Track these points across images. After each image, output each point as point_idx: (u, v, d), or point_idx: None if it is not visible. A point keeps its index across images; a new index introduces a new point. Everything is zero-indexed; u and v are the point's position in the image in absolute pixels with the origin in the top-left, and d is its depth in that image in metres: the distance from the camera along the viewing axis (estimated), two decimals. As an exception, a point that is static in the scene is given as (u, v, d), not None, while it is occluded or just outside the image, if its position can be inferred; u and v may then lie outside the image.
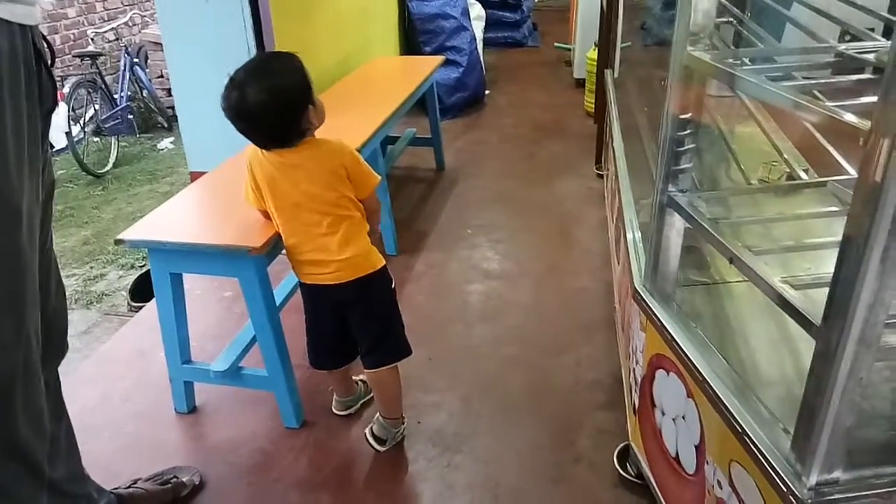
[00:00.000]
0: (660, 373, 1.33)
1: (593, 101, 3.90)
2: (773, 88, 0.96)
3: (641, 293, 1.39)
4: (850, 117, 0.92)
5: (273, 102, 1.41)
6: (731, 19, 1.83)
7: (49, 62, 1.04)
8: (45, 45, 1.04)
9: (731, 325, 1.35)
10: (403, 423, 1.79)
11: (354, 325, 1.66)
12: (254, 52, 2.41)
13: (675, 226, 1.32)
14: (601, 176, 3.32)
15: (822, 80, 1.23)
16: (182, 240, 1.61)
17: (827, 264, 1.32)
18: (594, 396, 1.93)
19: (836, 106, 0.98)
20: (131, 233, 1.64)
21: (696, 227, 1.21)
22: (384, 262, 1.64)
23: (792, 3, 1.77)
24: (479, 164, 3.72)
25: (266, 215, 1.61)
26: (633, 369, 1.55)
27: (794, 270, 1.35)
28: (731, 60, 1.17)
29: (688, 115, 1.25)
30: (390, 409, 1.75)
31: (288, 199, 1.52)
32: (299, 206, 1.52)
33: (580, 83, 4.70)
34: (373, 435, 1.74)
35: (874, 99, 0.74)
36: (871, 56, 1.06)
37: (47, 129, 1.09)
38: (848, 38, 1.86)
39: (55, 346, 1.22)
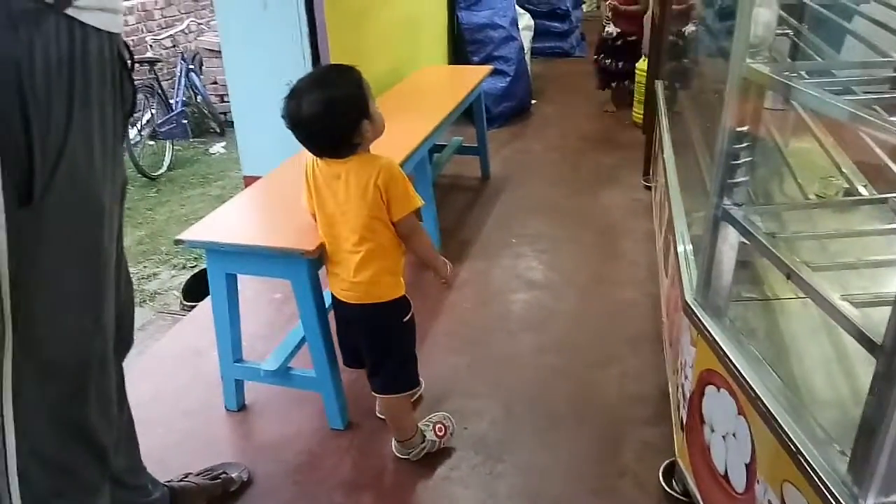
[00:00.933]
0: (710, 389, 1.31)
1: (642, 111, 3.86)
2: (833, 101, 0.95)
3: (693, 307, 1.38)
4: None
5: (326, 113, 1.44)
6: (789, 31, 1.81)
7: (130, 68, 1.10)
8: (127, 52, 1.09)
9: (786, 343, 1.33)
10: (423, 441, 1.76)
11: (360, 344, 1.68)
12: (309, 59, 2.48)
13: (729, 240, 1.30)
14: (648, 188, 3.29)
15: (884, 95, 1.21)
16: (238, 241, 1.67)
17: (887, 282, 1.29)
18: (639, 410, 1.91)
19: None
20: (190, 234, 1.70)
21: (751, 241, 1.19)
22: (401, 293, 1.61)
23: (853, 15, 1.74)
24: (525, 174, 3.72)
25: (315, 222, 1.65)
26: (682, 384, 1.54)
27: (851, 289, 1.32)
28: (788, 73, 1.16)
29: (744, 128, 1.24)
30: (399, 433, 1.76)
31: (326, 208, 1.55)
32: (333, 217, 1.54)
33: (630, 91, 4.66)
34: (397, 450, 1.78)
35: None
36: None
37: (126, 132, 1.14)
38: None
39: (124, 338, 1.28)
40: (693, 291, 1.43)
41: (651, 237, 2.81)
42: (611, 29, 4.32)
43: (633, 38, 4.30)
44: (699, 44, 2.64)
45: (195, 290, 3.03)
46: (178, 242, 1.68)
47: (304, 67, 2.47)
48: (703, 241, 1.37)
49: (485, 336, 2.29)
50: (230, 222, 1.80)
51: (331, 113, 1.45)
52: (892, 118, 0.98)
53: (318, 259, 1.64)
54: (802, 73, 1.62)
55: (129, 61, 1.09)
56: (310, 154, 1.56)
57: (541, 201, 3.38)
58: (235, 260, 1.71)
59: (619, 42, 4.33)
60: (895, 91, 1.31)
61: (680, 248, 1.67)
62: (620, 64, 4.39)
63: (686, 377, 1.47)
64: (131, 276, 1.33)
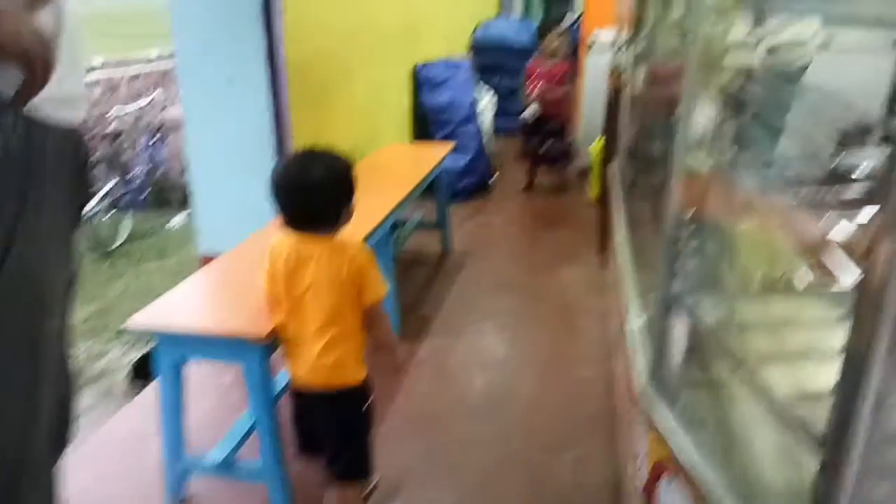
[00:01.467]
0: (663, 480, 1.30)
1: (597, 190, 3.98)
2: (771, 195, 0.99)
3: (644, 396, 1.38)
4: (845, 225, 0.94)
5: (333, 181, 1.51)
6: (730, 120, 1.90)
7: (87, 158, 1.09)
8: (84, 141, 1.09)
9: (738, 431, 1.33)
10: None
11: (320, 430, 1.63)
12: (273, 135, 2.50)
13: (678, 327, 1.32)
14: (604, 265, 3.35)
15: (822, 186, 1.27)
16: (189, 327, 1.62)
17: (832, 372, 1.32)
18: (595, 498, 1.88)
19: (834, 210, 1.01)
20: (138, 319, 1.66)
21: (700, 330, 1.21)
22: (363, 378, 1.60)
23: (791, 103, 1.84)
24: (486, 249, 3.77)
25: (273, 306, 1.62)
26: (636, 474, 1.52)
27: (800, 375, 1.34)
28: (729, 167, 1.21)
29: (690, 216, 1.28)
30: None
31: (295, 290, 1.53)
32: (302, 300, 1.52)
33: (584, 172, 4.81)
34: None
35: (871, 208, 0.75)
36: (866, 168, 1.09)
37: (78, 223, 1.12)
38: (846, 139, 1.92)
39: (62, 434, 1.21)
40: (646, 379, 1.43)
41: (607, 314, 2.84)
42: (529, 113, 4.48)
43: (559, 120, 4.50)
44: (648, 130, 2.76)
45: (145, 368, 2.92)
46: (121, 332, 1.63)
47: (267, 144, 2.49)
48: (653, 327, 1.39)
49: (442, 420, 2.25)
50: (181, 306, 1.76)
51: (338, 181, 1.51)
52: (829, 208, 1.03)
53: (270, 345, 1.61)
54: (742, 165, 1.71)
55: (87, 154, 1.08)
56: (277, 237, 1.55)
57: (501, 277, 3.41)
58: (186, 346, 1.67)
59: (544, 124, 4.48)
60: (832, 184, 1.38)
61: (632, 332, 1.69)
62: (548, 144, 4.54)
63: (640, 467, 1.45)
64: (77, 361, 1.27)
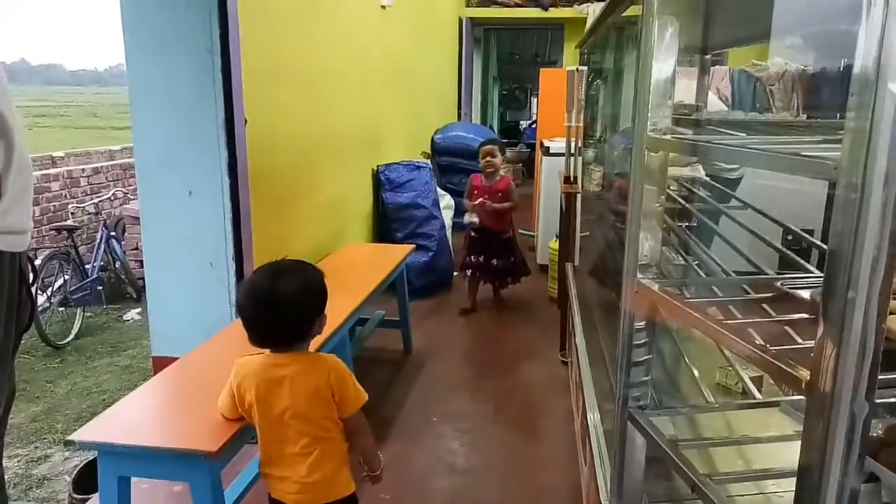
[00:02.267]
0: None
1: (556, 287, 4.05)
2: (714, 325, 1.03)
3: (607, 512, 1.36)
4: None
5: (304, 295, 1.49)
6: (677, 242, 1.99)
7: (31, 283, 1.08)
8: (30, 266, 1.08)
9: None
10: None
11: None
12: (231, 244, 2.51)
13: (637, 442, 1.33)
14: (565, 363, 3.36)
15: (766, 295, 1.32)
16: (133, 442, 1.56)
17: (791, 486, 1.32)
18: None
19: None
20: (82, 434, 1.58)
21: (657, 447, 1.22)
22: (353, 490, 1.57)
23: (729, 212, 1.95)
24: (447, 347, 3.75)
25: (230, 416, 1.58)
26: (603, 592, 1.47)
27: (762, 488, 1.35)
28: (678, 278, 1.26)
29: (642, 333, 1.32)
30: None
31: (270, 414, 1.49)
32: (281, 422, 1.48)
33: (544, 268, 4.90)
34: None
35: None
36: (806, 293, 1.15)
37: (18, 345, 1.10)
38: (790, 237, 2.02)
39: None
40: (607, 493, 1.42)
41: (570, 415, 2.82)
42: (474, 219, 4.07)
43: (503, 235, 4.15)
44: (600, 239, 2.86)
45: (88, 478, 2.76)
46: (68, 444, 1.55)
47: (225, 252, 2.49)
48: (613, 439, 1.39)
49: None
50: (128, 418, 1.69)
51: (309, 293, 1.50)
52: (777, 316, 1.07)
53: (220, 460, 1.55)
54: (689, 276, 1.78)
55: (29, 275, 1.07)
56: (243, 362, 1.53)
57: (462, 376, 3.38)
58: (130, 461, 1.59)
59: (488, 239, 4.12)
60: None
61: (594, 443, 1.68)
62: (493, 261, 4.15)
63: (606, 587, 1.41)
64: (20, 459, 1.20)
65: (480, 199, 4.02)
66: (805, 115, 3.49)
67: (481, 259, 4.16)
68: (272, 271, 1.51)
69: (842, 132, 0.67)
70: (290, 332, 1.50)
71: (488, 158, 4.09)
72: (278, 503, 1.55)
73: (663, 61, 1.13)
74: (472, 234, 4.17)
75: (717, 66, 3.84)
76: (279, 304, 1.47)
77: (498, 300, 4.41)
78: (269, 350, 1.53)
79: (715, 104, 3.25)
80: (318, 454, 1.49)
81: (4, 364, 1.03)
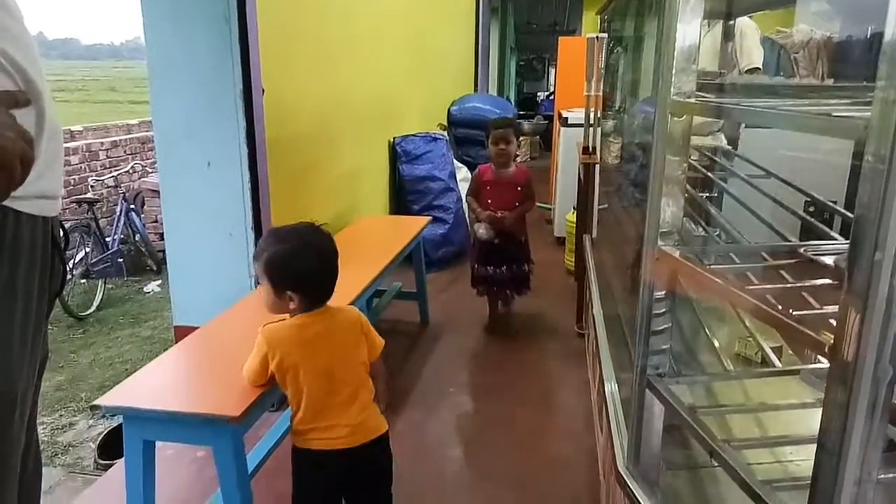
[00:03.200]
0: (646, 566, 1.27)
1: (573, 260, 4.04)
2: (736, 290, 1.02)
3: (626, 477, 1.37)
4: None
5: (334, 254, 1.62)
6: (697, 202, 1.97)
7: (63, 248, 1.10)
8: (62, 232, 1.10)
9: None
10: None
11: (355, 494, 1.66)
12: (250, 213, 2.52)
13: (655, 410, 1.33)
14: (582, 335, 3.36)
15: (788, 262, 1.31)
16: (157, 407, 1.59)
17: (809, 457, 1.32)
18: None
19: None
20: (108, 398, 1.62)
21: (675, 415, 1.22)
22: (387, 427, 1.69)
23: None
24: (463, 319, 3.76)
25: (261, 385, 1.61)
26: (619, 557, 1.49)
27: (779, 456, 1.35)
28: (696, 256, 1.25)
29: (662, 302, 1.31)
30: None
31: (317, 367, 1.56)
32: (326, 375, 1.56)
33: (560, 241, 4.88)
34: None
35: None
36: (829, 259, 1.13)
37: (51, 310, 1.11)
38: (812, 208, 1.99)
39: None
40: (625, 460, 1.42)
41: (586, 386, 2.83)
42: (483, 231, 3.25)
43: (517, 238, 3.38)
44: (619, 210, 2.83)
45: (113, 445, 2.83)
46: (94, 409, 1.59)
47: (244, 222, 2.50)
48: (631, 406, 1.39)
49: (420, 498, 2.19)
50: (152, 384, 1.72)
51: (336, 253, 1.63)
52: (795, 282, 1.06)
53: (243, 425, 1.58)
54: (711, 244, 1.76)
55: (61, 241, 1.09)
56: (274, 328, 1.57)
57: (478, 348, 3.40)
58: (155, 426, 1.62)
59: (500, 247, 3.32)
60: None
61: (611, 411, 1.69)
62: (506, 267, 3.37)
63: (623, 552, 1.43)
64: (46, 427, 1.23)
65: (498, 213, 3.22)
66: (832, 82, 3.41)
67: (498, 270, 3.37)
68: (315, 229, 1.62)
69: (871, 95, 0.65)
70: (333, 286, 1.62)
71: (501, 146, 3.20)
72: (320, 456, 1.57)
73: (688, 23, 1.10)
74: (484, 243, 3.32)
75: (741, 34, 3.74)
76: (334, 260, 1.61)
77: (506, 315, 3.58)
78: (302, 312, 1.59)
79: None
80: (361, 398, 1.59)
81: (40, 328, 1.05)
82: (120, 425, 2.88)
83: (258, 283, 1.86)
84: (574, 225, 3.93)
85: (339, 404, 1.57)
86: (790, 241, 1.39)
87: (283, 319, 1.60)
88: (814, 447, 0.84)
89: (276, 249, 1.55)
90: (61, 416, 3.60)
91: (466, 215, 4.85)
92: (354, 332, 1.62)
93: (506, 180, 3.27)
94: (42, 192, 0.97)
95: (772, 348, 1.61)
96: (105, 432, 3.07)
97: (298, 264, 1.55)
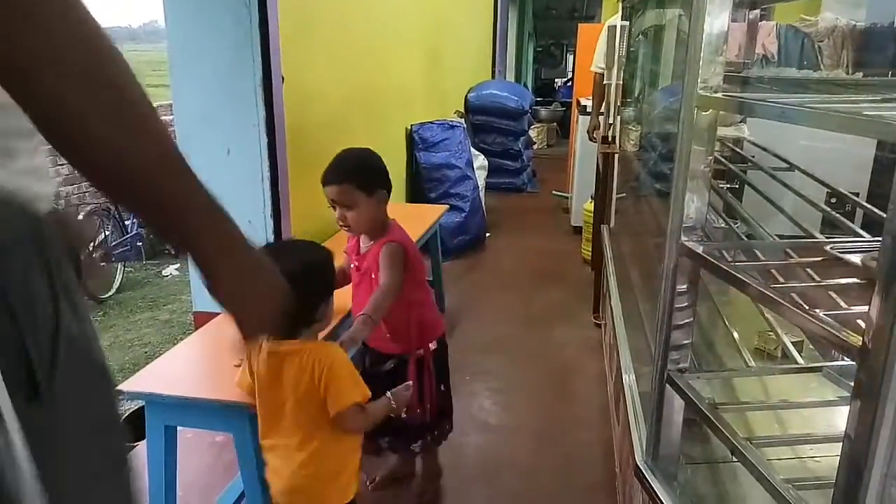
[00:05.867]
0: (663, 560, 1.28)
1: (590, 249, 4.02)
2: (763, 289, 1.01)
3: (643, 471, 1.37)
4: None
5: (306, 275, 1.31)
6: (720, 194, 1.95)
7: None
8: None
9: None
10: None
11: None
12: (269, 201, 2.53)
13: (675, 404, 1.32)
14: (599, 325, 3.35)
15: (813, 259, 1.29)
16: (179, 393, 1.61)
17: (831, 455, 1.31)
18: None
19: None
20: (130, 384, 1.64)
21: (696, 411, 1.21)
22: (350, 499, 1.50)
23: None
24: (479, 308, 3.77)
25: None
26: (635, 549, 1.49)
27: (799, 453, 1.34)
28: (718, 253, 1.24)
29: (684, 297, 1.30)
30: None
31: (269, 400, 1.45)
32: (279, 412, 1.44)
33: (577, 230, 4.86)
34: None
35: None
36: (856, 258, 1.12)
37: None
38: (834, 200, 1.96)
39: None
40: (643, 453, 1.42)
41: (603, 377, 2.83)
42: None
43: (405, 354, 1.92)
44: (638, 201, 2.81)
45: (133, 426, 2.87)
46: (117, 394, 1.61)
47: (263, 209, 2.52)
48: (650, 400, 1.39)
49: (432, 487, 2.21)
50: (173, 370, 1.74)
51: (312, 274, 1.39)
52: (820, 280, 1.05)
53: (264, 413, 1.59)
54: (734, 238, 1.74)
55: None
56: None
57: (495, 337, 3.40)
58: (176, 412, 1.65)
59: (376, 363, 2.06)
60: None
61: (629, 402, 1.69)
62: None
63: (639, 545, 1.43)
64: None
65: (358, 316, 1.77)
66: (861, 74, 3.34)
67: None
68: (275, 249, 1.44)
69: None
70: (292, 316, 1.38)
71: (337, 209, 1.89)
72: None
73: (716, 15, 1.09)
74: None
75: (763, 22, 3.68)
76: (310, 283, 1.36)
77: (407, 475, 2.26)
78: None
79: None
80: (312, 451, 1.43)
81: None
82: (141, 407, 2.93)
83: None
84: (591, 214, 3.91)
85: (289, 447, 1.44)
86: (813, 236, 1.36)
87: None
88: (836, 445, 0.83)
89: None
90: (82, 397, 3.66)
91: (482, 201, 4.84)
92: (310, 371, 1.39)
93: (359, 255, 1.94)
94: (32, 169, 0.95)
95: (793, 343, 1.60)
96: (127, 413, 3.12)
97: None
